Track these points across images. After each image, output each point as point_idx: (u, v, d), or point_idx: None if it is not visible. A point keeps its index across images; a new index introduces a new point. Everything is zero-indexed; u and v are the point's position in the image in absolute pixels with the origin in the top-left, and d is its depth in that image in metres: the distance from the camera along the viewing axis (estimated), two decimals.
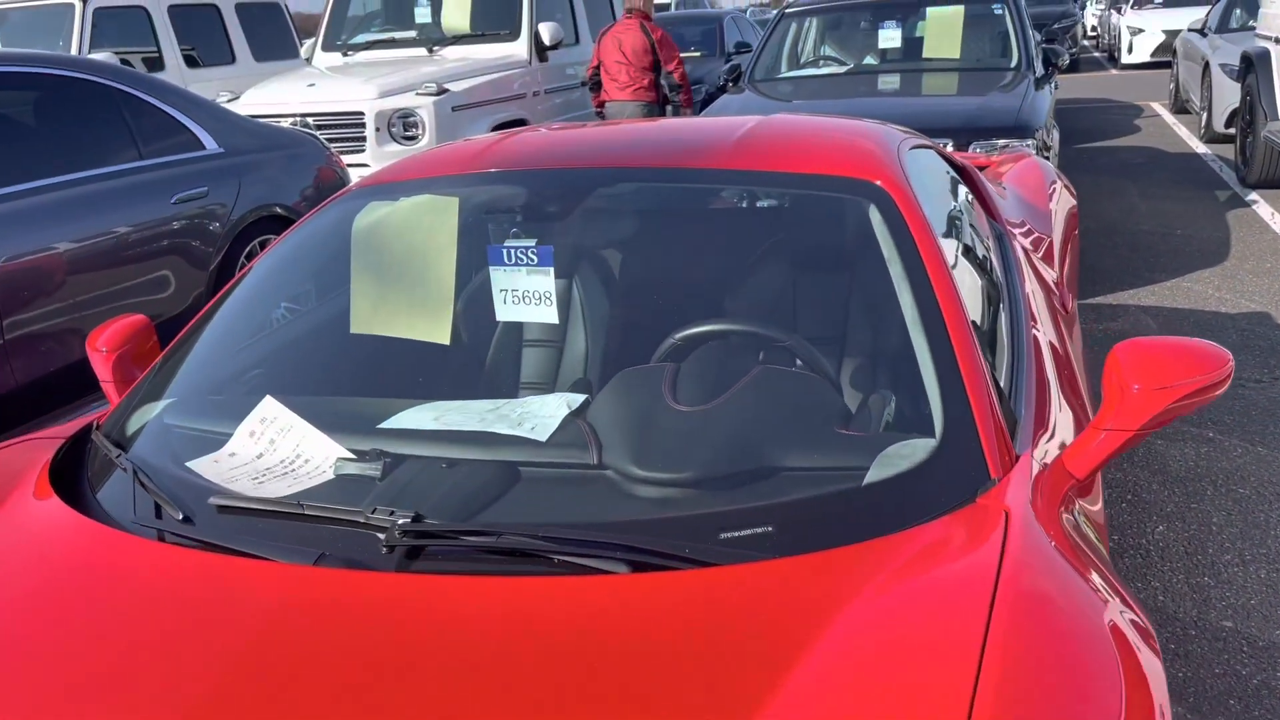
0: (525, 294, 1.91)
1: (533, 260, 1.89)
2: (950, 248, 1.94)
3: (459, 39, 7.75)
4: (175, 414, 1.89)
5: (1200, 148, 9.34)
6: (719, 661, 1.18)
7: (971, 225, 2.33)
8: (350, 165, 6.06)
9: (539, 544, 1.40)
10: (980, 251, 2.24)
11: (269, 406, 1.80)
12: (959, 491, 1.45)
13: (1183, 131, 10.31)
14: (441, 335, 1.95)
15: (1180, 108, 11.42)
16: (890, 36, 6.32)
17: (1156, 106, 12.33)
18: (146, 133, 4.40)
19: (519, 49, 7.55)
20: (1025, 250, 2.75)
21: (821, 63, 6.65)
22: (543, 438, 1.63)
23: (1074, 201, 3.70)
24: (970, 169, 2.96)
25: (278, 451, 1.73)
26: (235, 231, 4.62)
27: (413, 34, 7.93)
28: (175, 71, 8.64)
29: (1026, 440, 1.62)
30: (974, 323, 1.73)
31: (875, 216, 1.90)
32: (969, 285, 1.90)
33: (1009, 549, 1.30)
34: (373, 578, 1.39)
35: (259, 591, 1.38)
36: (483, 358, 2.16)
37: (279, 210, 4.89)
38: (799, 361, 1.85)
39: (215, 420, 1.83)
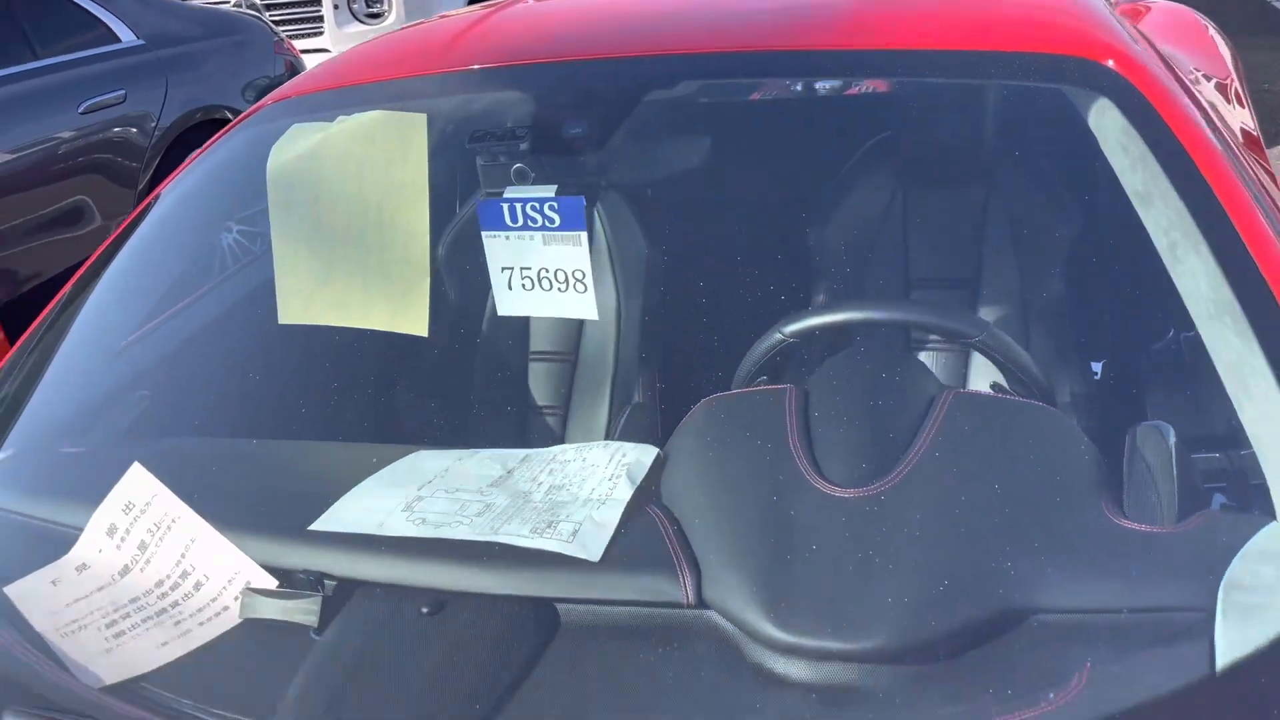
0: (543, 274, 1.18)
1: (552, 220, 1.17)
2: (1230, 166, 1.19)
3: None
4: (3, 482, 1.21)
5: None
6: None
7: (1224, 123, 1.55)
8: (305, 52, 5.18)
9: None
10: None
11: (136, 483, 1.11)
12: None
13: None
14: (415, 324, 1.30)
15: None
16: None
17: None
18: (41, 24, 3.55)
19: None
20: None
21: None
22: (594, 555, 0.92)
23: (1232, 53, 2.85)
24: None
25: (153, 565, 1.07)
26: (165, 144, 3.80)
27: None
28: None
29: None
30: None
31: (1109, 120, 1.16)
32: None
33: None
34: None
35: None
36: (471, 367, 1.44)
37: (228, 114, 4.07)
38: (997, 375, 1.13)
39: (65, 496, 1.17)
